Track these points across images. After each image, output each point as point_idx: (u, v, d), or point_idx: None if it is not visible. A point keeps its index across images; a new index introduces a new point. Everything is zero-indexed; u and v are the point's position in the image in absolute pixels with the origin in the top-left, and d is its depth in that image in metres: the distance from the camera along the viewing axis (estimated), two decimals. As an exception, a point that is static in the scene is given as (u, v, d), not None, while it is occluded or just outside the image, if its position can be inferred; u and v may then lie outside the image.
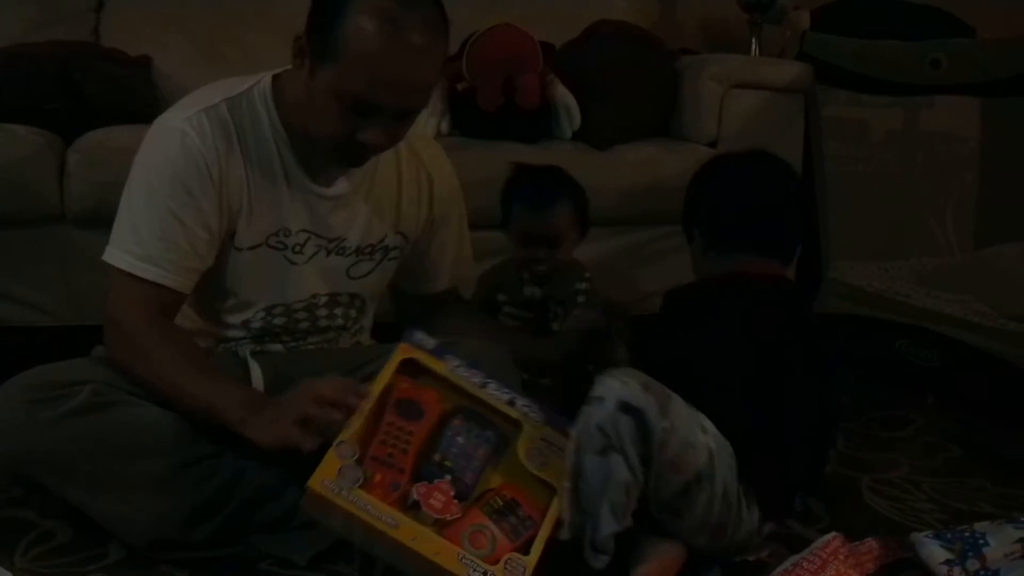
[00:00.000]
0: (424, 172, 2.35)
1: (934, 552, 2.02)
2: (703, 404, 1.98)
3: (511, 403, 2.01)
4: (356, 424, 1.89)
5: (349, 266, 2.27)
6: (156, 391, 2.05)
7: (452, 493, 1.91)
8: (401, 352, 2.00)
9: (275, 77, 2.18)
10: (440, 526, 1.87)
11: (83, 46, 3.45)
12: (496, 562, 1.85)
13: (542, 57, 3.30)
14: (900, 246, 3.77)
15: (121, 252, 2.09)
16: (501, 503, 1.93)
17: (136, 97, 3.24)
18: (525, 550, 1.89)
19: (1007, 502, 2.39)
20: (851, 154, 3.86)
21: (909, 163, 3.95)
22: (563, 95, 3.29)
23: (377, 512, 1.82)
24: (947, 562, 1.99)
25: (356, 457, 1.86)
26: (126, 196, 2.12)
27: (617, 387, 1.91)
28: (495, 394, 2.01)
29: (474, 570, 1.83)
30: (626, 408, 1.90)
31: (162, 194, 2.08)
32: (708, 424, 1.97)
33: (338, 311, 2.30)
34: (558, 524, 1.93)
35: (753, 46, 4.00)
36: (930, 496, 2.38)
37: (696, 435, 1.94)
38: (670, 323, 2.26)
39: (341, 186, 2.21)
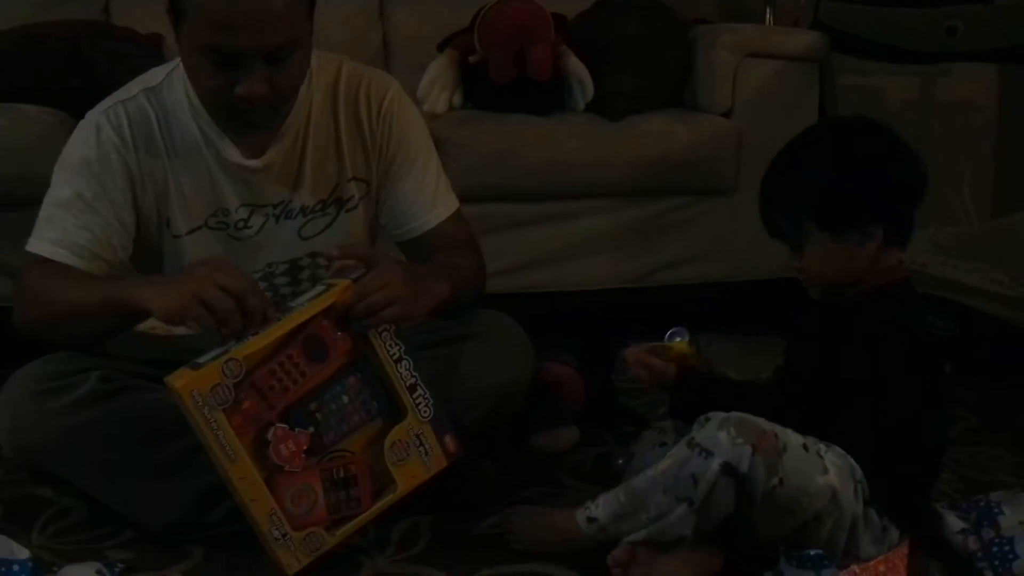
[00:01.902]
0: (369, 112, 2.24)
1: (949, 521, 2.01)
2: (860, 425, 1.88)
3: (411, 388, 1.97)
4: (258, 346, 1.86)
5: (300, 227, 2.22)
6: (61, 325, 2.03)
7: (305, 447, 1.90)
8: (340, 290, 1.93)
9: None
10: (276, 473, 1.88)
11: (93, 25, 3.44)
12: (302, 528, 1.89)
13: (554, 28, 3.29)
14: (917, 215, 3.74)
15: (39, 240, 2.08)
16: (342, 475, 1.93)
17: (146, 75, 3.23)
18: (336, 527, 1.93)
19: (1023, 471, 2.38)
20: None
21: (925, 132, 3.91)
22: (575, 66, 3.27)
23: (223, 440, 1.82)
24: (962, 531, 1.98)
25: (238, 379, 1.84)
26: (50, 189, 2.12)
27: (726, 444, 1.79)
28: (401, 372, 1.97)
29: (276, 529, 1.86)
30: (730, 471, 1.79)
31: (77, 185, 2.08)
32: (833, 460, 1.85)
33: (303, 275, 2.25)
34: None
35: (767, 15, 3.96)
36: (947, 465, 2.37)
37: (814, 481, 1.81)
38: (837, 337, 1.94)
39: (272, 153, 2.15)
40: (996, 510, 2.01)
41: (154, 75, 2.16)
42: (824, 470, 1.83)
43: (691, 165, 3.23)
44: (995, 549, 1.93)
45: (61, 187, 2.10)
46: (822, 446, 1.86)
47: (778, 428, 1.82)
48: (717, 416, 1.84)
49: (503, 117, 3.22)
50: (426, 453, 1.98)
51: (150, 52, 3.36)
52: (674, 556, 1.87)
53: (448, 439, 2.00)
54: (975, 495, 2.12)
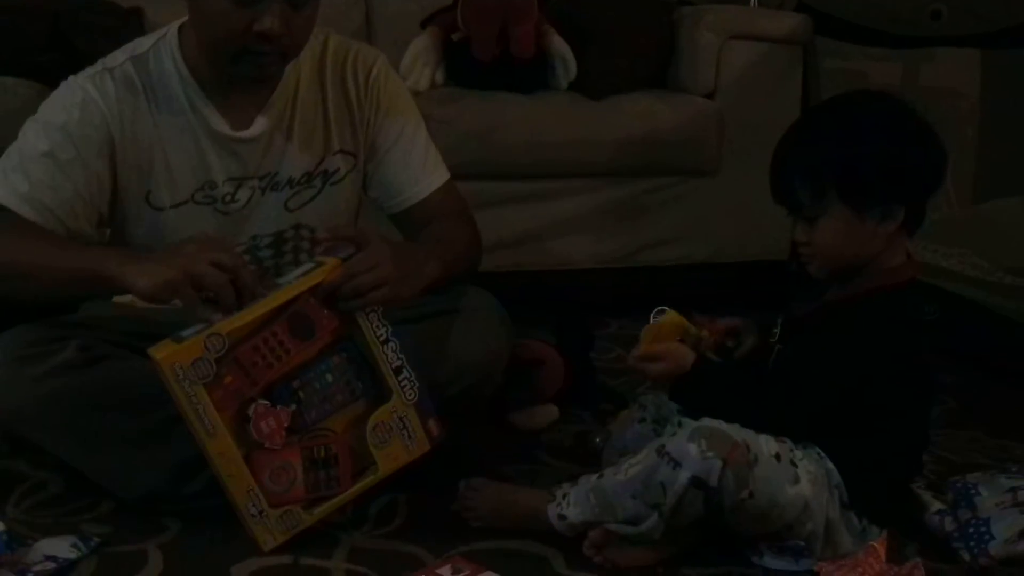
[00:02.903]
0: (357, 84, 2.24)
1: (926, 502, 2.01)
2: (848, 428, 1.86)
3: (397, 371, 1.97)
4: (242, 321, 1.85)
5: (286, 199, 2.21)
6: (13, 280, 1.99)
7: (287, 424, 1.90)
8: (328, 269, 1.92)
9: (181, 27, 2.13)
10: (256, 450, 1.88)
11: (75, -2, 3.42)
12: (280, 505, 1.90)
13: (537, 7, 3.28)
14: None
15: (4, 181, 2.05)
16: (323, 455, 1.94)
17: (128, 49, 3.22)
18: (314, 506, 1.93)
19: (1001, 454, 2.39)
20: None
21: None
22: (559, 45, 3.27)
23: (203, 415, 1.82)
24: (939, 512, 1.99)
25: (221, 354, 1.83)
26: (20, 140, 2.08)
27: (695, 457, 1.76)
28: (388, 354, 1.96)
29: (253, 505, 1.88)
30: (699, 484, 1.77)
31: (52, 144, 2.05)
32: (808, 467, 1.82)
33: (287, 248, 2.24)
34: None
35: (752, -4, 3.97)
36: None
37: (784, 493, 1.79)
38: (842, 336, 1.88)
39: (260, 125, 2.15)
40: (973, 491, 2.02)
41: (140, 44, 2.14)
42: (795, 479, 1.81)
43: (674, 145, 3.23)
44: (971, 530, 1.93)
45: (35, 140, 2.07)
46: (798, 452, 1.84)
47: (750, 438, 1.80)
48: (688, 425, 1.82)
49: (485, 95, 3.22)
50: (409, 436, 1.98)
51: (131, 26, 3.34)
52: None
53: (432, 423, 2.00)
54: (953, 477, 2.13)
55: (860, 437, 1.88)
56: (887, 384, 1.86)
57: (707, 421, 1.81)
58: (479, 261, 2.30)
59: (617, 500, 1.84)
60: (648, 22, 3.45)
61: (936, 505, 2.01)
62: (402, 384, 1.96)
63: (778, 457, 1.81)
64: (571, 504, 1.89)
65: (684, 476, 1.77)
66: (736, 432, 1.79)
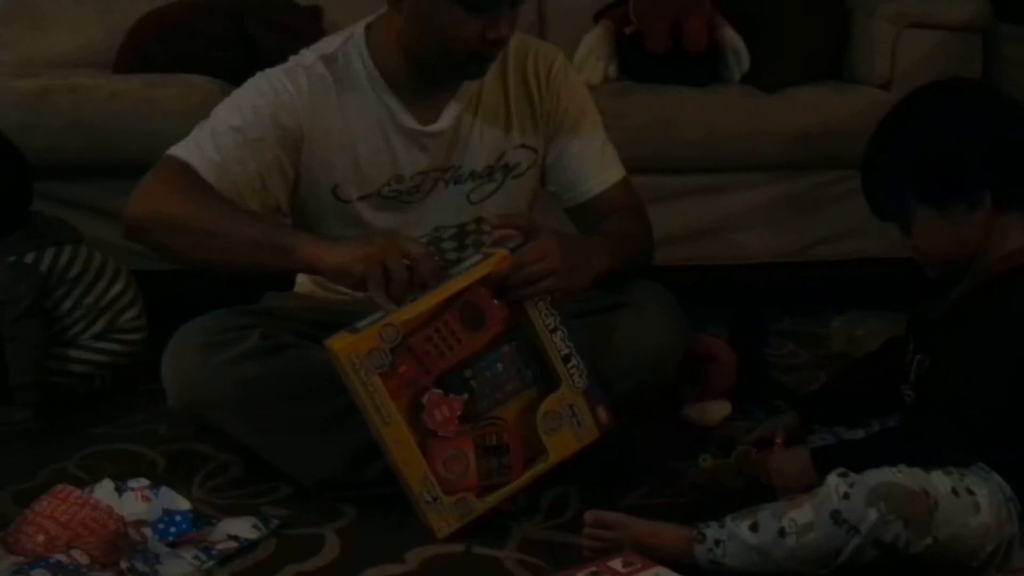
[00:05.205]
0: (538, 80, 2.27)
1: None
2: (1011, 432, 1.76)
3: (566, 359, 1.98)
4: (415, 311, 1.88)
5: (468, 192, 2.25)
6: (184, 237, 2.02)
7: (460, 412, 1.93)
8: (498, 260, 1.94)
9: (368, 27, 2.18)
10: (430, 438, 1.91)
11: (256, -3, 3.50)
12: (453, 493, 1.92)
13: (710, -1, 3.26)
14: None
15: (198, 149, 2.08)
16: (494, 442, 1.95)
17: (306, 46, 3.28)
18: (486, 494, 1.95)
19: None
20: (1035, 97, 3.72)
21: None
22: (731, 37, 3.24)
23: (379, 403, 1.85)
24: None
25: (395, 343, 1.86)
26: (211, 117, 2.13)
27: (875, 522, 1.64)
28: (556, 343, 1.97)
29: (428, 492, 1.90)
30: (879, 545, 1.65)
31: (245, 122, 2.09)
32: (981, 490, 1.72)
33: (468, 241, 2.27)
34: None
35: (929, -17, 3.87)
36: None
37: (967, 527, 1.69)
38: (979, 325, 1.81)
39: (447, 119, 2.20)
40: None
41: (329, 43, 2.20)
42: (976, 508, 1.71)
43: (848, 138, 3.13)
44: None
45: (227, 116, 2.12)
46: (968, 478, 1.74)
47: (926, 482, 1.69)
48: (864, 486, 1.68)
49: (658, 88, 3.21)
50: (578, 424, 1.99)
51: (310, 23, 3.42)
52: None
53: (601, 410, 2.01)
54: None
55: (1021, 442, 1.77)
56: None
57: (881, 476, 1.69)
58: (652, 256, 2.30)
59: (783, 562, 1.73)
60: (821, 12, 3.40)
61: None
62: (571, 372, 1.98)
63: (955, 492, 1.71)
64: (727, 555, 1.76)
65: (863, 539, 1.66)
66: (912, 479, 1.69)
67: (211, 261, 2.06)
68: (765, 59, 3.25)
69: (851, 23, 3.39)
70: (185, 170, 2.06)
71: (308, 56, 2.18)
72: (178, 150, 2.09)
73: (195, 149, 2.08)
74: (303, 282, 2.37)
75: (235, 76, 3.03)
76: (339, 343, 1.86)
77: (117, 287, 2.64)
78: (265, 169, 2.11)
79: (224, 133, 2.09)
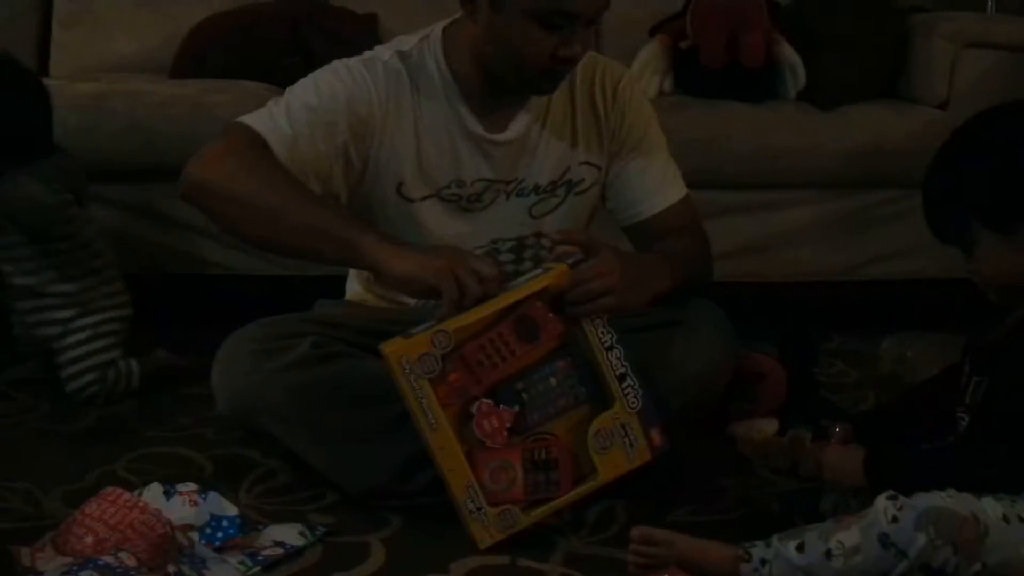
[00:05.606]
0: (604, 97, 2.27)
1: None
2: None
3: (621, 378, 1.96)
4: (469, 320, 1.87)
5: (531, 206, 2.25)
6: (244, 206, 2.00)
7: (509, 424, 1.92)
8: (556, 274, 1.93)
9: (444, 29, 2.18)
10: (478, 448, 1.91)
11: (312, 4, 3.54)
12: (498, 504, 1.91)
13: (767, 15, 3.25)
14: None
15: (268, 118, 2.08)
16: (544, 456, 1.94)
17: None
18: (532, 508, 1.94)
19: None
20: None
21: None
22: (788, 54, 3.23)
23: (427, 408, 1.86)
24: None
25: (447, 350, 1.86)
26: (287, 94, 2.12)
27: (924, 547, 1.62)
28: (611, 361, 1.96)
29: (472, 501, 1.90)
30: (926, 570, 1.63)
31: (321, 101, 2.08)
32: None
33: (527, 255, 2.27)
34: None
35: (989, 2, 3.84)
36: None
37: (1018, 554, 1.66)
38: None
39: (515, 130, 2.20)
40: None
41: (404, 41, 2.20)
42: None
43: (904, 157, 3.15)
44: None
45: (303, 94, 2.11)
46: (1020, 504, 1.71)
47: (977, 508, 1.67)
48: (913, 510, 1.66)
49: (713, 103, 3.21)
50: (631, 444, 1.98)
51: (365, 31, 3.44)
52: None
53: (654, 432, 2.00)
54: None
55: None
56: None
57: (930, 500, 1.67)
58: (710, 277, 2.31)
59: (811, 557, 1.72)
60: (879, 30, 3.38)
61: None
62: (625, 391, 1.97)
63: (1006, 519, 1.68)
64: (773, 575, 1.74)
65: (911, 564, 1.64)
66: (962, 505, 1.67)
67: (266, 239, 2.05)
68: (822, 76, 3.24)
69: (909, 42, 3.37)
70: (253, 141, 2.04)
71: (384, 51, 2.18)
72: (250, 119, 2.08)
73: (268, 120, 2.07)
74: (355, 290, 2.37)
75: (290, 83, 3.06)
76: (391, 346, 1.86)
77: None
78: (333, 154, 2.11)
79: (299, 109, 2.08)
